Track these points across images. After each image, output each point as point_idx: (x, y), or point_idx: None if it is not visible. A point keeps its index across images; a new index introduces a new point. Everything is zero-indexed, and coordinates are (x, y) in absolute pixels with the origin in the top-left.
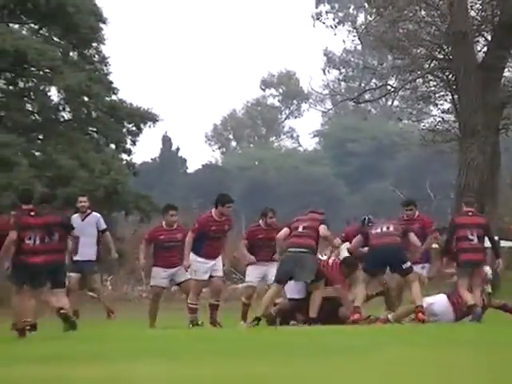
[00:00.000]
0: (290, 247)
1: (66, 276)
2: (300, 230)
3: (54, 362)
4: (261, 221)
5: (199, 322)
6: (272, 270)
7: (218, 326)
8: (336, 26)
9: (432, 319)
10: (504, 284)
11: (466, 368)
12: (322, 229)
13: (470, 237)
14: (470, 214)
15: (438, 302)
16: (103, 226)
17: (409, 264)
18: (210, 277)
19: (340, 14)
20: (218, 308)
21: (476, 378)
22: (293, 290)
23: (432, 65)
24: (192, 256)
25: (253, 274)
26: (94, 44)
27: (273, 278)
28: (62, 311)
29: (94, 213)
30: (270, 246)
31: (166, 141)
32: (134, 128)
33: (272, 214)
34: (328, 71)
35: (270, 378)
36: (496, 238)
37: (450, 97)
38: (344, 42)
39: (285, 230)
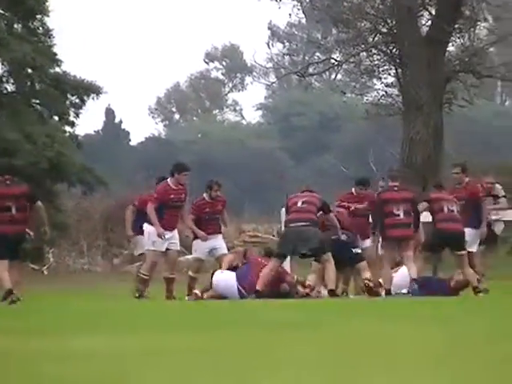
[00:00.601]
0: (291, 222)
1: None
2: (299, 204)
3: (3, 335)
4: (205, 194)
5: (145, 294)
6: (219, 243)
7: (173, 299)
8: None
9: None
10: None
11: (418, 342)
12: (332, 218)
13: (396, 212)
14: (396, 188)
15: (398, 274)
16: None
17: (359, 250)
18: (166, 249)
19: None
20: (174, 281)
21: (428, 352)
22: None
23: (376, 39)
24: (151, 228)
25: (200, 248)
26: (39, 16)
27: (220, 251)
28: None
29: None
30: (215, 219)
31: (110, 113)
32: (77, 100)
33: (217, 187)
34: (272, 45)
35: (216, 352)
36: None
37: (394, 71)
38: (290, 15)
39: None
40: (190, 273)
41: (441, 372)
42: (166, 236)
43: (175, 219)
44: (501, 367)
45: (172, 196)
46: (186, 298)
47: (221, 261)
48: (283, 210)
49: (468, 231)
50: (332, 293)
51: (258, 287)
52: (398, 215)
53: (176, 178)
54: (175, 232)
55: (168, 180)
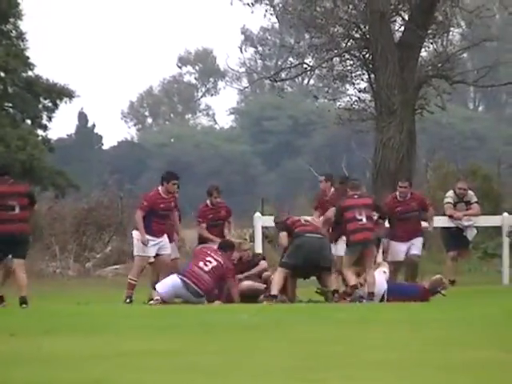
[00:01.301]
0: (306, 232)
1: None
2: (303, 221)
3: None
4: (208, 200)
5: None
6: None
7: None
8: (253, 4)
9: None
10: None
11: (388, 346)
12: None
13: (359, 217)
14: (356, 196)
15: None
16: None
17: None
18: (157, 255)
19: None
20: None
21: (396, 356)
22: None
23: (349, 44)
24: (136, 233)
25: None
26: (12, 19)
27: None
28: None
29: None
30: (218, 225)
31: (82, 117)
32: (50, 104)
33: (217, 194)
34: (245, 49)
35: (189, 354)
36: None
37: (367, 76)
38: (264, 16)
39: (284, 235)
40: None
41: (408, 376)
42: (154, 242)
43: (163, 227)
44: (471, 372)
45: (162, 205)
46: None
47: None
48: (257, 214)
49: (421, 240)
50: (344, 294)
51: (273, 292)
52: (361, 220)
53: (166, 186)
54: (165, 237)
55: (159, 189)
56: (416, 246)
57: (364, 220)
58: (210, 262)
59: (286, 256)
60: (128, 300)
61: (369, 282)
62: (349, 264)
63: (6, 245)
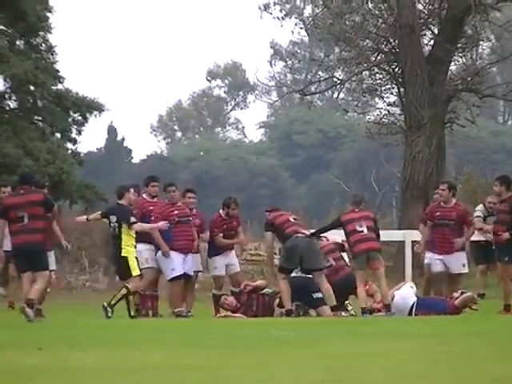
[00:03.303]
0: (297, 233)
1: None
2: (291, 220)
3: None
4: (221, 211)
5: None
6: (233, 260)
7: (160, 316)
8: (283, 18)
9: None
10: None
11: (418, 360)
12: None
13: (359, 229)
14: (357, 210)
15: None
16: None
17: (320, 295)
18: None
19: (287, 6)
20: (158, 298)
21: (425, 370)
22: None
23: (378, 57)
24: (141, 246)
25: (220, 264)
26: (41, 33)
27: (234, 269)
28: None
29: None
30: (230, 236)
31: (112, 131)
32: (79, 117)
33: (235, 206)
34: (274, 63)
35: (216, 368)
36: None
37: (396, 90)
38: (292, 32)
39: (270, 235)
40: (214, 291)
41: None
42: (153, 252)
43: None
44: None
45: (151, 208)
46: (218, 315)
47: (234, 279)
48: None
49: (462, 254)
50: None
51: (288, 307)
52: (362, 231)
53: (147, 190)
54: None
55: (143, 195)
56: (456, 264)
57: (365, 231)
58: None
59: (281, 260)
60: (154, 315)
61: (383, 293)
62: (361, 279)
63: (20, 258)
